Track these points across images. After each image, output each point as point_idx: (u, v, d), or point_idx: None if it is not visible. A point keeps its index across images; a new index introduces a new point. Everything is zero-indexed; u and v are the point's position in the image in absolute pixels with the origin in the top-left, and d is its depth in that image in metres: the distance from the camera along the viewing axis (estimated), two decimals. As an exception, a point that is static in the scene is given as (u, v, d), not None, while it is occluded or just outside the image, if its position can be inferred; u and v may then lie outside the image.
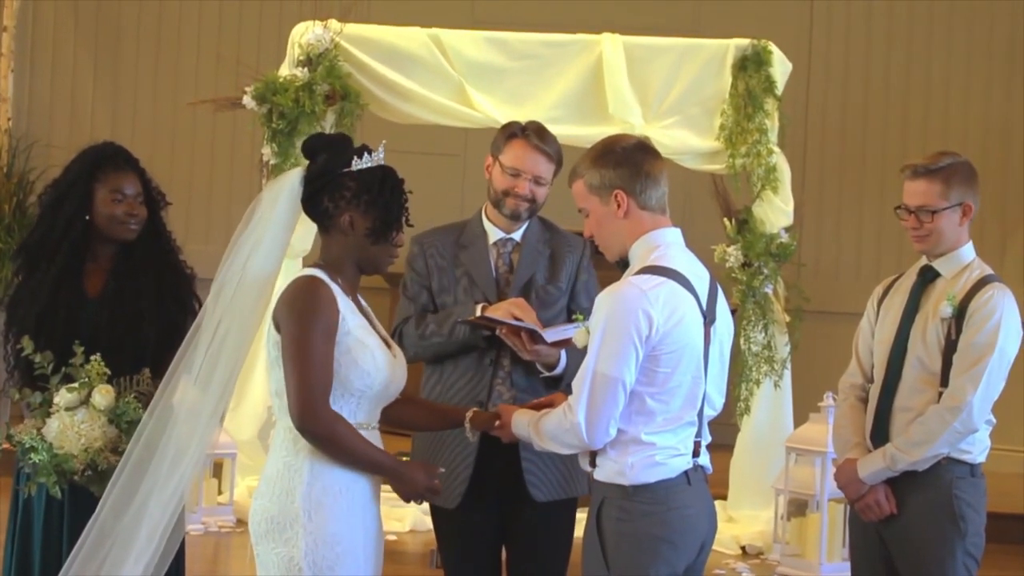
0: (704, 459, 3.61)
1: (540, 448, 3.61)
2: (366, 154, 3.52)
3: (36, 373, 3.96)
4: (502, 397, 4.22)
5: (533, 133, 4.30)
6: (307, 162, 3.56)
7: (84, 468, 3.89)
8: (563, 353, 4.14)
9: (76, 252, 4.23)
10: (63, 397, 3.92)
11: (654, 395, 3.46)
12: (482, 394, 4.24)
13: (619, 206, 3.55)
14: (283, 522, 3.41)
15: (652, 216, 3.58)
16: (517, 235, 4.37)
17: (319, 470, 3.44)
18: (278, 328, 3.44)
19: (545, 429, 3.54)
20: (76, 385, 3.92)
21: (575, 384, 3.49)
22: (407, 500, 3.60)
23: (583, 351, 3.53)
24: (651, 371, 3.45)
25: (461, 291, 4.30)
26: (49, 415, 3.95)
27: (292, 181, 3.53)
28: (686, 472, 3.53)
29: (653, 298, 3.42)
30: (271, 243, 3.50)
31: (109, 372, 3.94)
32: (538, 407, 3.74)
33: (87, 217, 4.21)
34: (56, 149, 9.77)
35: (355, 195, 3.48)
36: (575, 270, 4.38)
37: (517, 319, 4.06)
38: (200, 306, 4.16)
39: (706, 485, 3.63)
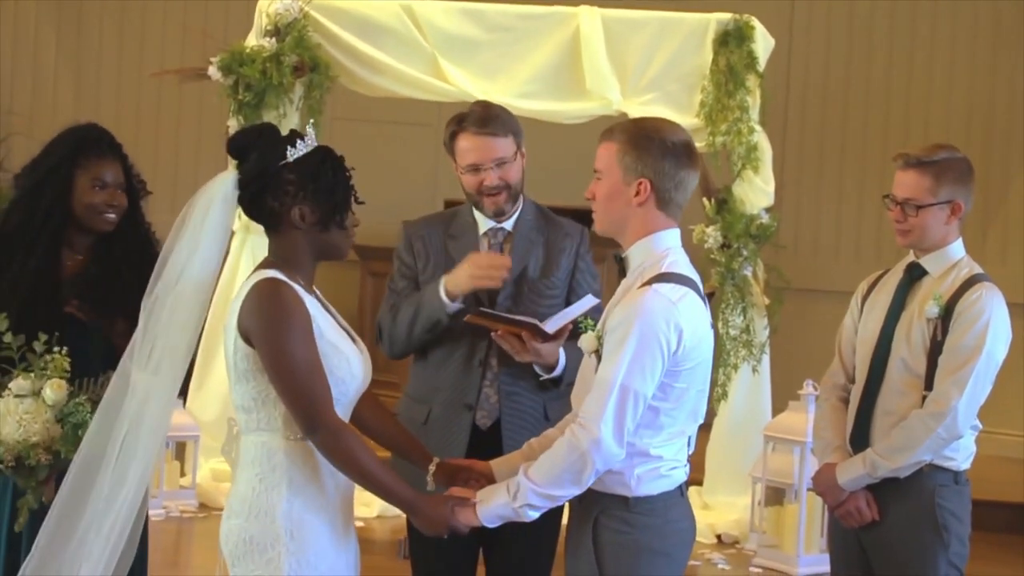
0: (688, 467, 3.49)
1: (526, 512, 3.29)
2: (299, 141, 3.31)
3: (2, 354, 3.76)
4: (489, 400, 4.07)
5: (472, 122, 4.10)
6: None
7: (12, 459, 3.72)
8: (562, 352, 3.96)
9: (55, 241, 4.07)
10: (16, 382, 3.76)
11: (668, 411, 3.33)
12: (470, 396, 4.07)
13: (638, 194, 3.36)
14: (263, 543, 3.24)
15: (664, 217, 3.40)
16: (508, 224, 4.19)
17: (299, 485, 3.27)
18: (247, 340, 3.25)
19: (541, 473, 3.25)
20: (32, 373, 3.76)
21: (589, 399, 3.27)
22: (427, 533, 3.36)
23: (579, 351, 3.41)
24: (668, 386, 3.30)
25: None
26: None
27: (225, 187, 3.31)
28: (680, 484, 3.43)
29: (683, 310, 3.27)
30: (206, 254, 3.30)
31: (69, 371, 3.77)
32: (456, 469, 3.55)
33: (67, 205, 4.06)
34: (17, 117, 9.58)
35: (299, 187, 3.28)
36: (572, 261, 4.20)
37: (512, 316, 3.89)
38: None
39: (687, 494, 3.53)
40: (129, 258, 4.11)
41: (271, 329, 3.20)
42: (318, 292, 3.43)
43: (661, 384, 3.28)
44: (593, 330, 3.41)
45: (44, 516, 3.49)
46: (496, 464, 3.56)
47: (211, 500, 7.21)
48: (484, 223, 4.18)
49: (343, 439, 3.22)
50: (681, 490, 3.43)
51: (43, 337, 3.75)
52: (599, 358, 3.34)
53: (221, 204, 3.30)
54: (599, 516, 3.36)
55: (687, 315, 3.28)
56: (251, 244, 7.23)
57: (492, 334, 3.92)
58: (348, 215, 3.35)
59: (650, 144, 3.36)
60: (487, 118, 4.11)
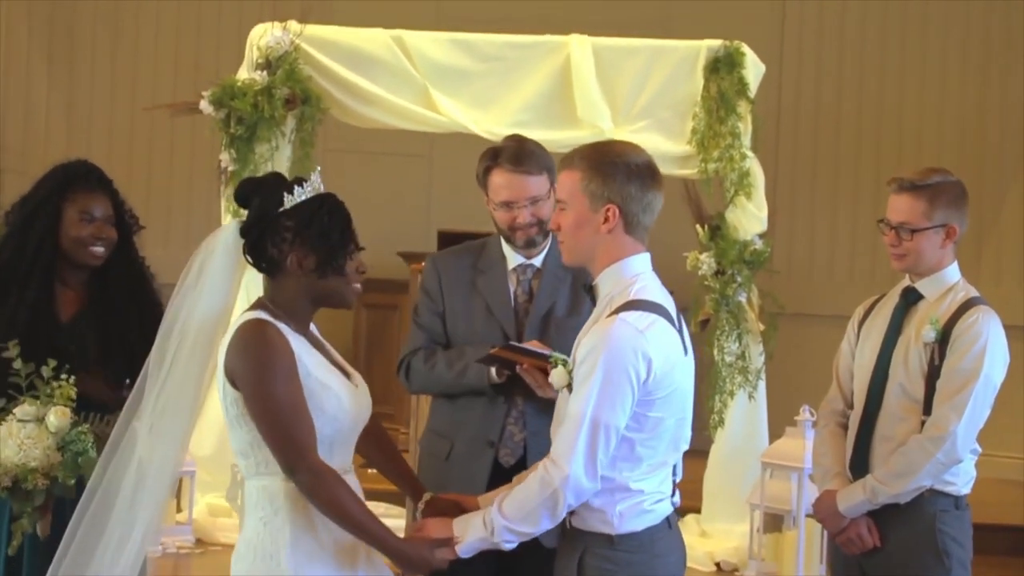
0: (677, 496, 3.45)
1: (503, 545, 3.30)
2: (297, 187, 3.31)
3: (11, 380, 3.77)
4: (514, 438, 4.04)
5: (507, 159, 4.06)
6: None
7: (9, 481, 3.73)
8: None
9: (48, 276, 4.07)
10: (21, 408, 3.77)
11: (644, 441, 3.28)
12: (493, 433, 4.04)
13: (606, 221, 3.32)
14: None
15: (633, 242, 3.36)
16: (538, 260, 4.16)
17: (303, 527, 3.25)
18: (233, 383, 3.24)
19: (514, 509, 3.25)
20: (38, 399, 3.76)
21: (559, 434, 3.25)
22: (408, 574, 3.36)
23: None
24: (642, 416, 3.26)
25: (478, 320, 4.11)
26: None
27: (227, 235, 3.34)
28: (667, 517, 3.38)
29: (651, 338, 3.22)
30: (209, 302, 3.31)
31: (75, 400, 3.77)
32: (447, 505, 3.52)
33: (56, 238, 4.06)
34: (9, 152, 9.57)
35: (296, 234, 3.27)
36: None
37: (538, 351, 3.84)
38: None
39: (678, 524, 3.47)
40: (124, 293, 4.11)
41: (253, 370, 3.20)
42: (315, 330, 3.42)
43: (635, 414, 3.23)
44: (564, 365, 3.37)
45: (47, 553, 3.52)
46: (484, 500, 3.52)
47: (208, 536, 7.16)
48: (513, 259, 4.16)
49: (325, 482, 3.20)
50: (669, 522, 3.38)
51: (52, 363, 3.75)
52: (571, 391, 3.30)
53: (223, 252, 3.32)
54: (584, 555, 3.32)
55: (656, 343, 3.23)
56: (245, 280, 7.21)
57: (517, 367, 3.88)
58: (348, 261, 3.33)
59: (614, 169, 3.32)
60: (522, 155, 4.07)
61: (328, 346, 3.46)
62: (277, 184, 3.33)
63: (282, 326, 3.26)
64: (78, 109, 10.22)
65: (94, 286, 4.12)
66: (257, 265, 3.32)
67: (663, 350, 3.25)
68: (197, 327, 3.30)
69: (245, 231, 3.30)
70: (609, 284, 3.35)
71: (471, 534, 3.28)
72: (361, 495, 3.38)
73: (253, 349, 3.20)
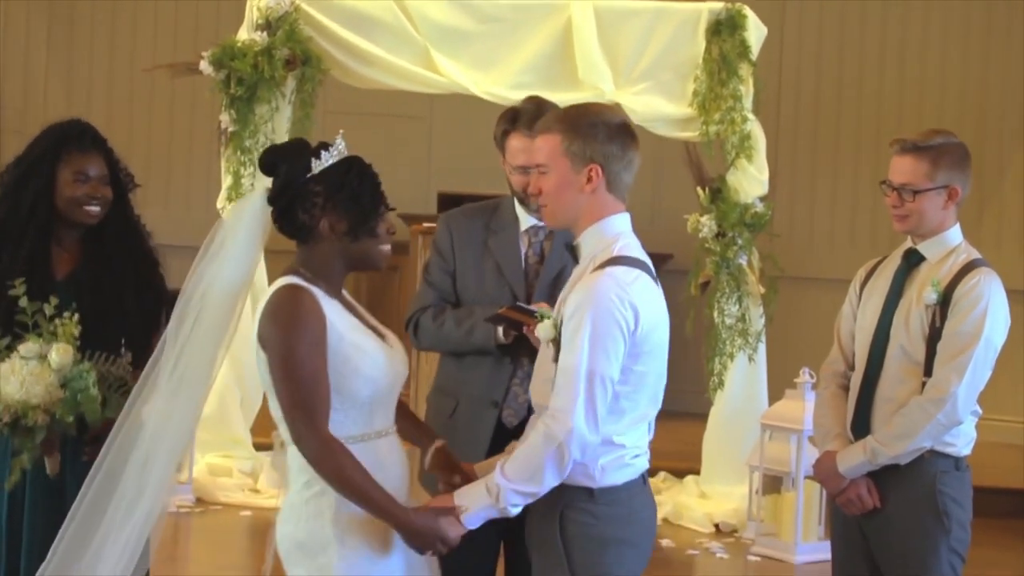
0: (648, 454, 3.49)
1: (510, 509, 3.29)
2: (323, 152, 3.31)
3: (17, 319, 3.77)
4: (518, 399, 4.03)
5: (525, 123, 4.04)
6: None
7: (9, 418, 3.72)
8: None
9: (43, 235, 4.05)
10: (25, 345, 3.76)
11: (628, 395, 3.32)
12: (497, 393, 4.05)
13: (589, 181, 3.36)
14: (314, 547, 3.25)
15: (614, 200, 3.41)
16: None
17: None
18: (264, 347, 3.25)
19: (517, 470, 3.25)
20: (41, 336, 3.75)
21: (557, 389, 3.26)
22: (418, 550, 3.33)
23: None
24: (628, 370, 3.29)
25: (488, 280, 4.11)
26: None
27: (254, 204, 3.35)
28: (643, 472, 3.42)
29: (637, 291, 3.28)
30: (232, 270, 3.32)
31: (78, 336, 3.76)
32: (451, 465, 3.52)
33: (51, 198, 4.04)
34: (8, 113, 9.55)
35: (326, 198, 3.28)
36: None
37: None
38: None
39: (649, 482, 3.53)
40: (120, 251, 4.10)
41: (280, 337, 3.21)
42: (346, 295, 3.43)
43: (622, 367, 3.27)
44: (549, 318, 3.39)
45: (49, 493, 3.59)
46: (480, 468, 3.53)
47: (208, 495, 7.18)
48: (526, 220, 4.15)
49: (331, 452, 3.20)
50: (644, 478, 3.42)
51: (54, 301, 3.76)
52: (557, 347, 3.32)
53: (249, 221, 3.34)
54: (564, 510, 3.35)
55: (641, 296, 3.28)
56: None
57: (524, 328, 3.87)
58: (379, 222, 3.34)
59: (594, 129, 3.37)
60: (541, 119, 4.08)
61: (361, 309, 3.47)
62: (302, 150, 3.33)
63: (316, 290, 3.27)
64: (78, 70, 10.20)
65: (90, 244, 4.11)
66: (288, 232, 3.33)
67: (648, 304, 3.31)
68: (218, 296, 3.31)
69: (273, 199, 3.31)
70: (592, 243, 3.40)
71: (476, 503, 3.28)
72: (403, 456, 3.40)
73: (283, 315, 3.22)
